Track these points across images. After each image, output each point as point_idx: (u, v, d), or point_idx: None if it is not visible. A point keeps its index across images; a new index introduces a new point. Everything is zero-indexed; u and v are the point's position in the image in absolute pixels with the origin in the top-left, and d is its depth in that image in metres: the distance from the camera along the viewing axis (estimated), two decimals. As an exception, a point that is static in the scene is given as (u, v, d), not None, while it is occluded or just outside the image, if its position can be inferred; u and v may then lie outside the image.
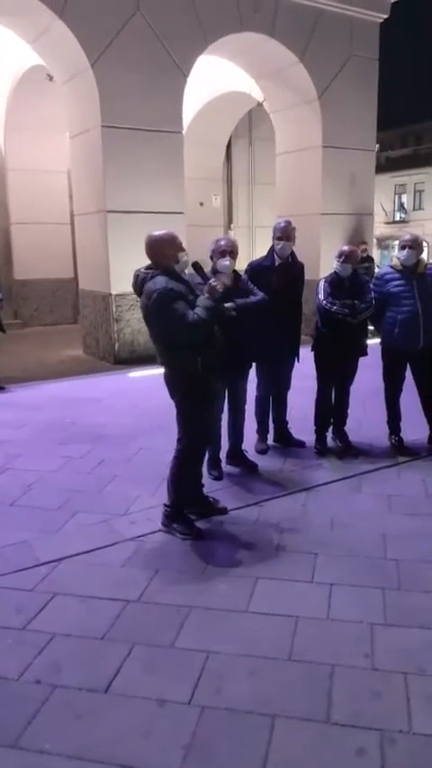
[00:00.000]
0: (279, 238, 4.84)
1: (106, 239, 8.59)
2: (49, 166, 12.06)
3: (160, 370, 3.78)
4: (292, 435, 5.29)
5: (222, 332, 3.77)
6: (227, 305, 4.15)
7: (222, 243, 4.40)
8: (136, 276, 3.65)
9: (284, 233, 4.83)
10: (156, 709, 2.39)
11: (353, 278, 4.94)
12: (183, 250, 3.63)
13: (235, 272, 4.44)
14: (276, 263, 4.88)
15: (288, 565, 3.43)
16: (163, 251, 3.58)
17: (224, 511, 4.05)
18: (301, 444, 5.22)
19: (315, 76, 10.21)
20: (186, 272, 3.73)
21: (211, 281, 3.64)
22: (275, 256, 4.89)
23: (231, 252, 4.35)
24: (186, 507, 3.93)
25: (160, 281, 3.48)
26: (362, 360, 5.09)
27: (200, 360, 3.57)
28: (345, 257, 4.87)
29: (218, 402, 4.37)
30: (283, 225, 4.88)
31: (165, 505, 3.88)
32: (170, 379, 3.73)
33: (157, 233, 3.64)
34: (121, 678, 2.55)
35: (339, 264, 4.89)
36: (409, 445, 5.15)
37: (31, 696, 2.46)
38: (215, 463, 4.61)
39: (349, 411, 5.25)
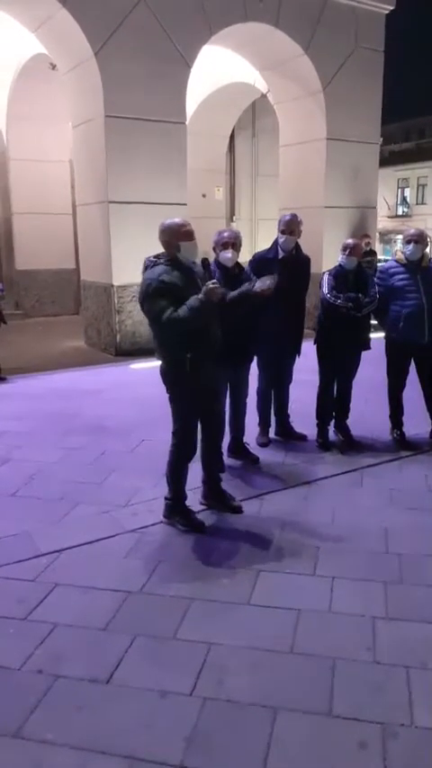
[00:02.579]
0: (283, 231, 4.81)
1: (108, 230, 8.55)
2: (51, 156, 12.00)
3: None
4: (293, 429, 5.28)
5: (220, 328, 3.71)
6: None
7: (225, 235, 4.38)
8: (145, 265, 3.65)
9: (288, 226, 4.80)
10: (157, 701, 2.39)
11: (357, 271, 4.92)
12: (188, 239, 3.55)
13: (237, 263, 4.42)
14: (280, 256, 4.85)
15: (290, 558, 3.43)
16: (167, 240, 3.59)
17: (238, 510, 3.99)
18: (302, 438, 5.21)
19: (320, 68, 10.14)
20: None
21: (209, 282, 3.43)
22: (279, 249, 4.86)
23: (234, 244, 4.34)
24: (204, 500, 3.98)
25: (157, 271, 3.48)
26: (364, 354, 5.08)
27: (189, 356, 3.51)
28: (350, 250, 4.85)
29: (219, 396, 4.35)
30: (288, 218, 4.85)
31: (166, 498, 3.88)
32: (163, 372, 3.72)
33: (166, 221, 3.63)
34: (123, 669, 2.56)
35: (344, 257, 4.86)
36: (411, 440, 5.15)
37: (33, 686, 2.46)
38: (217, 456, 4.60)
39: (351, 405, 5.25)
